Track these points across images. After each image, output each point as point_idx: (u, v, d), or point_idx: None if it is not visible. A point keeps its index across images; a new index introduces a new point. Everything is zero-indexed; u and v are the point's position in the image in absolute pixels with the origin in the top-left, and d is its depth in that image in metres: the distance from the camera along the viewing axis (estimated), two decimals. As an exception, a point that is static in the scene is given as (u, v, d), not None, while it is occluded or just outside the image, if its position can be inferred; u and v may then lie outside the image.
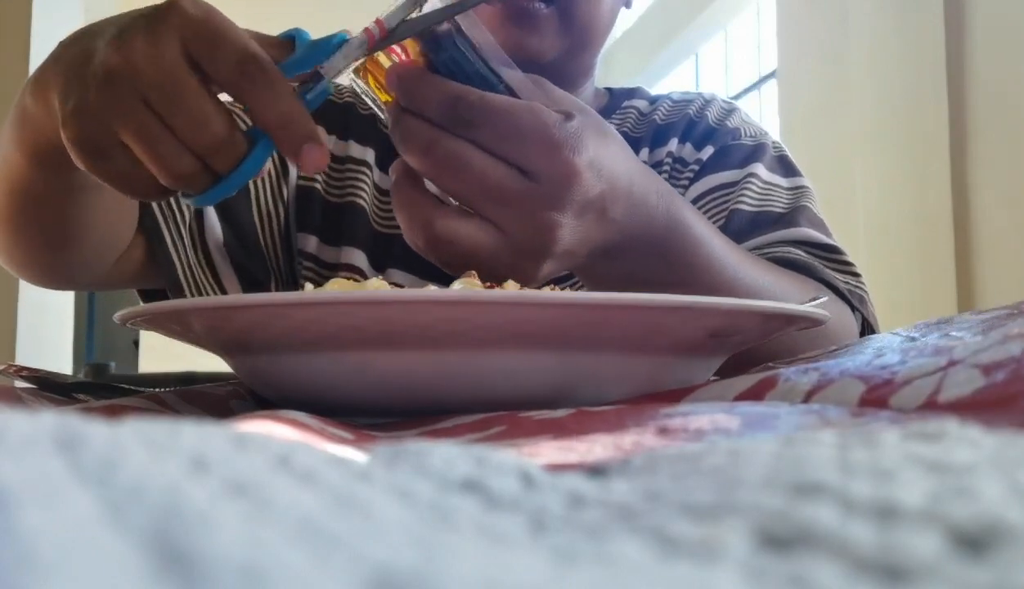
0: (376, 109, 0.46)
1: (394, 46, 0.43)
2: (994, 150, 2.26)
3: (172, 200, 0.65)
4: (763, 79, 3.99)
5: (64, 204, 0.52)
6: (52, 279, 0.63)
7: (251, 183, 0.69)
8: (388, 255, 0.70)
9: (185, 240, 0.66)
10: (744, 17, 4.17)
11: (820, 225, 0.69)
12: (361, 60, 0.43)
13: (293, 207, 0.71)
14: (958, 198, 2.35)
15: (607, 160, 0.43)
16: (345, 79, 0.45)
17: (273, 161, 0.70)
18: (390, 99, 0.44)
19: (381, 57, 0.43)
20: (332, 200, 0.72)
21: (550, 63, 0.63)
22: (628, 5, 0.72)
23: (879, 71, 2.61)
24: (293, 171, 0.71)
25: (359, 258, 0.70)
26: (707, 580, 0.10)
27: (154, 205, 0.64)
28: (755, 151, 0.73)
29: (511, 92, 0.42)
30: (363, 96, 0.46)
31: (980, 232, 2.31)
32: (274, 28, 0.45)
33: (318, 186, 0.72)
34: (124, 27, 0.39)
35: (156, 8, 0.39)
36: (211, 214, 0.67)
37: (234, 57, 0.38)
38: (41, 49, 2.17)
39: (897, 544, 0.10)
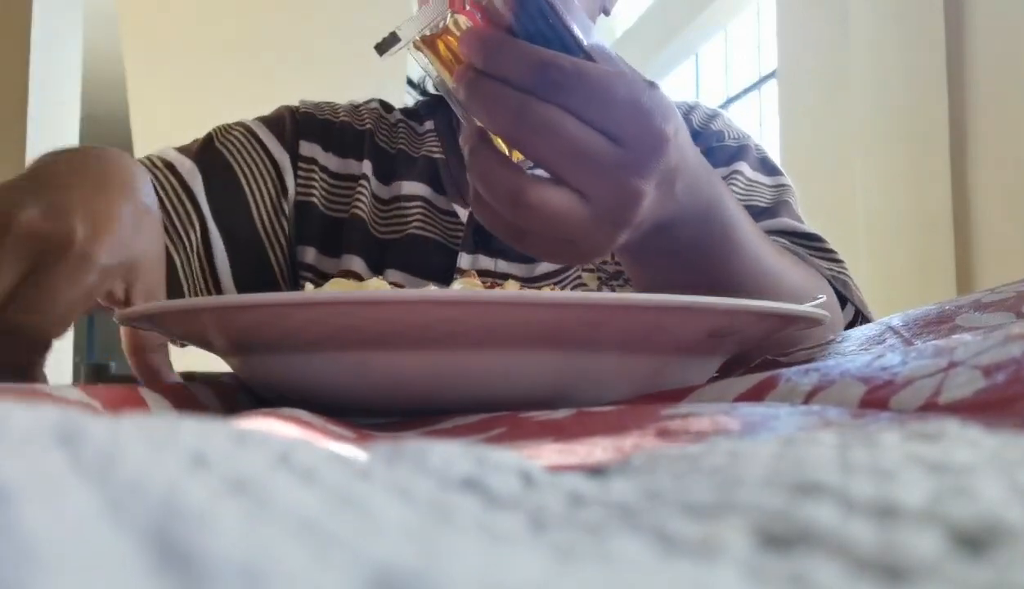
0: (435, 89, 0.45)
1: (470, 10, 0.41)
2: (994, 150, 2.27)
3: (181, 226, 0.67)
4: (763, 79, 3.99)
5: None
6: None
7: (251, 200, 0.71)
8: (385, 259, 0.72)
9: (194, 265, 0.67)
10: (744, 17, 4.17)
11: (799, 220, 0.71)
12: (440, 24, 0.42)
13: (293, 222, 0.73)
14: (958, 198, 2.35)
15: (682, 132, 0.43)
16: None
17: (270, 179, 0.72)
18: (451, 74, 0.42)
19: (456, 23, 0.42)
20: (332, 214, 0.74)
21: None
22: (607, 12, 0.73)
23: (879, 71, 2.61)
24: (291, 188, 0.73)
25: (357, 264, 0.72)
26: (707, 580, 0.10)
27: (166, 230, 0.64)
28: (739, 151, 0.75)
29: (589, 59, 0.41)
30: (425, 71, 0.44)
31: (980, 232, 2.31)
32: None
33: (316, 201, 0.74)
34: None
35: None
36: (216, 239, 0.68)
37: None
38: (41, 49, 2.17)
39: (897, 544, 0.10)
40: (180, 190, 0.68)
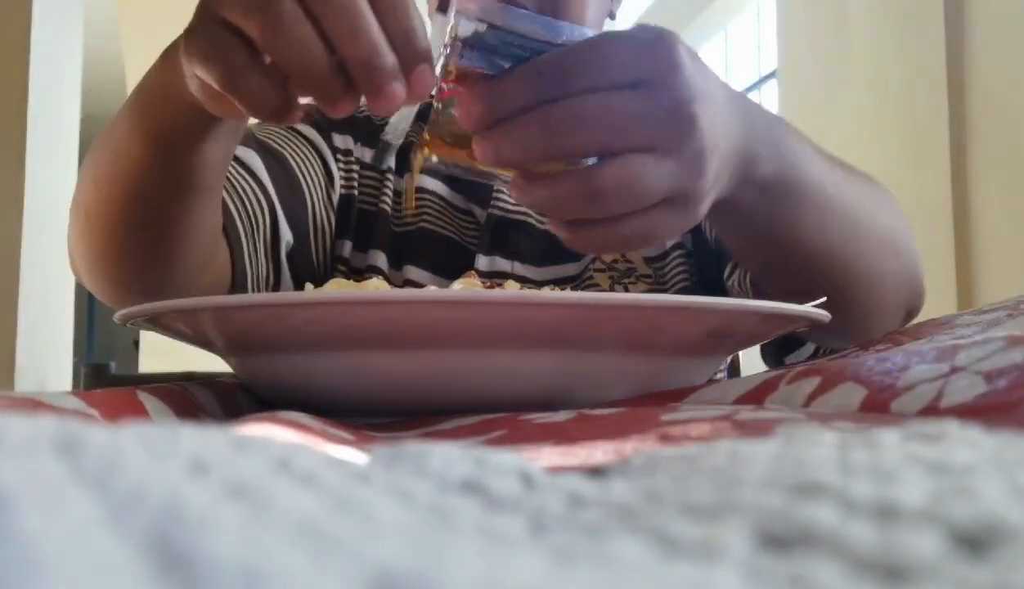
0: (461, 173, 0.45)
1: (450, 88, 0.41)
2: (994, 150, 2.26)
3: (252, 209, 0.63)
4: (763, 79, 3.99)
5: (176, 207, 0.50)
6: (143, 296, 0.61)
7: (308, 193, 0.69)
8: (405, 253, 0.71)
9: (259, 250, 0.64)
10: (744, 17, 4.17)
11: None
12: (416, 116, 0.42)
13: (336, 215, 0.72)
14: (958, 198, 2.35)
15: (691, 53, 0.41)
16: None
17: (319, 168, 0.70)
18: (467, 152, 0.42)
19: (440, 107, 0.42)
20: (365, 208, 0.73)
21: None
22: (613, 16, 0.73)
23: (879, 71, 2.61)
24: (337, 180, 0.72)
25: (381, 259, 0.72)
26: (707, 580, 0.10)
27: (236, 217, 0.61)
28: None
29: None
30: (443, 167, 0.44)
31: (980, 232, 2.31)
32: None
33: (355, 193, 0.73)
34: None
35: None
36: (283, 222, 0.66)
37: None
38: (41, 49, 2.17)
39: (897, 544, 0.10)
40: (244, 172, 0.64)
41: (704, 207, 0.41)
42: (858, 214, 0.51)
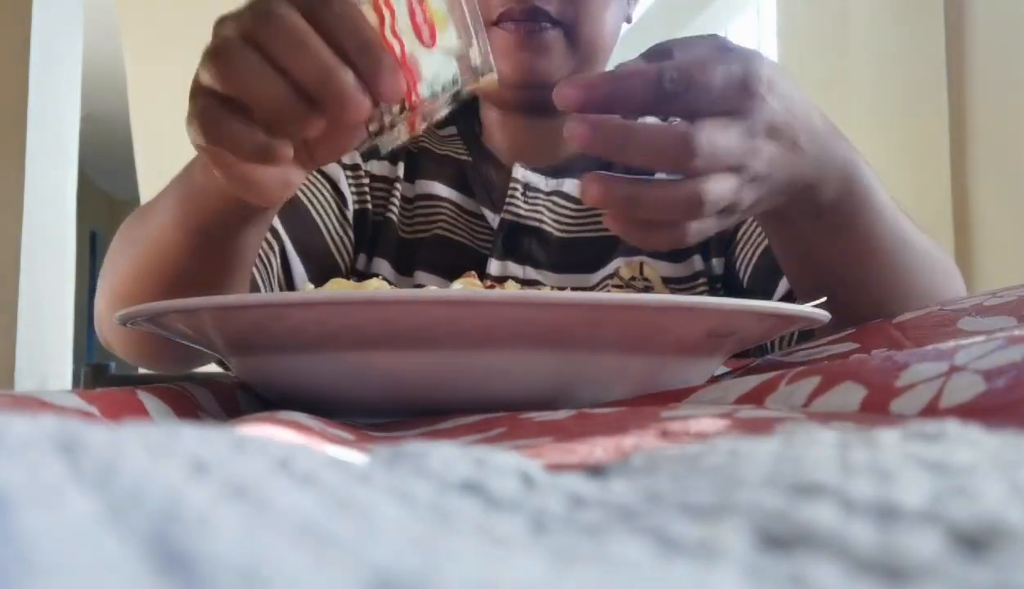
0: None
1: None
2: (994, 150, 2.26)
3: (264, 250, 0.66)
4: (763, 79, 3.98)
5: (215, 290, 0.52)
6: (184, 363, 0.63)
7: (316, 212, 0.71)
8: (413, 260, 0.72)
9: (275, 289, 0.67)
10: (744, 17, 4.17)
11: None
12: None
13: (354, 231, 0.73)
14: (958, 198, 2.35)
15: (768, 65, 0.43)
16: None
17: (328, 193, 0.72)
18: None
19: None
20: (376, 218, 0.74)
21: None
22: (629, 20, 0.73)
23: (879, 71, 2.60)
24: (348, 197, 0.73)
25: (384, 267, 0.72)
26: (707, 580, 0.10)
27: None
28: None
29: None
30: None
31: (980, 232, 2.31)
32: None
33: (369, 206, 0.74)
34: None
35: None
36: (296, 263, 0.68)
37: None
38: (41, 49, 2.17)
39: (897, 544, 0.10)
40: None
41: (779, 168, 0.43)
42: (909, 262, 0.52)
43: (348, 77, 0.37)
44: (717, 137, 0.39)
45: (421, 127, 0.43)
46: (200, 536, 0.09)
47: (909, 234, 0.52)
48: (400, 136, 0.43)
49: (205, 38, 0.40)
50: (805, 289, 0.53)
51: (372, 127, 0.42)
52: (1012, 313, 0.40)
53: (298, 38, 0.37)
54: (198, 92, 0.39)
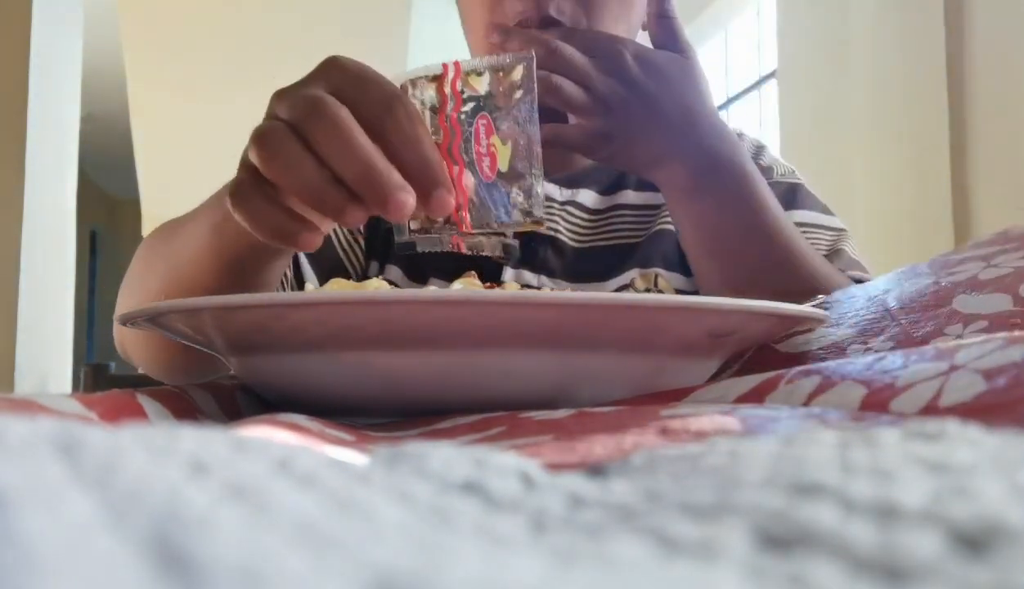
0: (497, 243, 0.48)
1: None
2: (994, 150, 2.26)
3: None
4: (763, 79, 3.98)
5: None
6: (205, 373, 0.65)
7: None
8: (426, 270, 0.72)
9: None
10: (744, 17, 4.17)
11: (859, 266, 0.69)
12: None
13: (365, 240, 0.74)
14: (958, 198, 2.35)
15: (672, 72, 0.59)
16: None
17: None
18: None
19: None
20: (388, 225, 0.74)
21: None
22: (645, 28, 0.74)
23: (879, 71, 2.60)
24: None
25: (395, 273, 0.73)
26: (707, 580, 0.10)
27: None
28: (791, 191, 0.75)
29: None
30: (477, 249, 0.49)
31: (980, 232, 2.31)
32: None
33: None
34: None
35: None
36: (309, 274, 0.70)
37: (380, 96, 0.39)
38: (41, 49, 2.17)
39: (897, 544, 0.10)
40: None
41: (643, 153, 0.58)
42: (789, 244, 0.59)
43: (392, 178, 0.38)
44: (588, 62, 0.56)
45: (463, 250, 0.45)
46: (200, 537, 0.09)
47: (795, 233, 0.60)
48: (441, 245, 0.44)
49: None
50: (700, 259, 0.62)
51: (413, 225, 0.43)
52: (1008, 290, 0.40)
53: (344, 136, 0.37)
54: (242, 166, 0.41)
